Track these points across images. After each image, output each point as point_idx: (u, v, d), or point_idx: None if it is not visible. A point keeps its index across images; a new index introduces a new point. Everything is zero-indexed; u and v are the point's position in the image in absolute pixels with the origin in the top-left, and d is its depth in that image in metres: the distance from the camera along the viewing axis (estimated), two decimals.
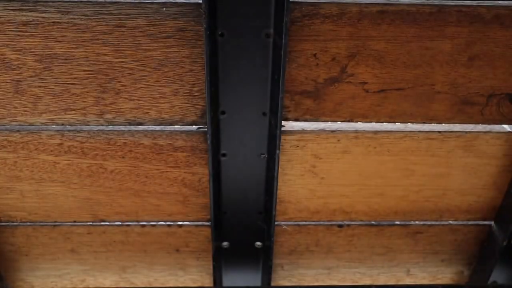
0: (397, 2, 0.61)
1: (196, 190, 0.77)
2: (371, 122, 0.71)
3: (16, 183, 0.75)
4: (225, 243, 0.80)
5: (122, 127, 0.70)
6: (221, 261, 0.83)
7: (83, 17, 0.60)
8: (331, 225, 0.82)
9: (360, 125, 0.72)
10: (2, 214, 0.79)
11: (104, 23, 0.60)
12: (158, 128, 0.70)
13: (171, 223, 0.81)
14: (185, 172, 0.74)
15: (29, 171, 0.73)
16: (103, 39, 0.61)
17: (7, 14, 0.59)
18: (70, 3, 0.59)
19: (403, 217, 0.82)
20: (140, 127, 0.70)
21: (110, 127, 0.69)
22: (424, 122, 0.71)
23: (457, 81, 0.67)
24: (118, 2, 0.59)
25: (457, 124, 0.72)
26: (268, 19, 0.58)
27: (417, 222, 0.83)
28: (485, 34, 0.63)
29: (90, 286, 0.90)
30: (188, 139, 0.71)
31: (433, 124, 0.72)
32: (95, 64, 0.63)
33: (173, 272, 0.88)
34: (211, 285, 0.90)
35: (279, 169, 0.73)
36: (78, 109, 0.67)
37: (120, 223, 0.81)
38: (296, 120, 0.70)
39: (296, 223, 0.82)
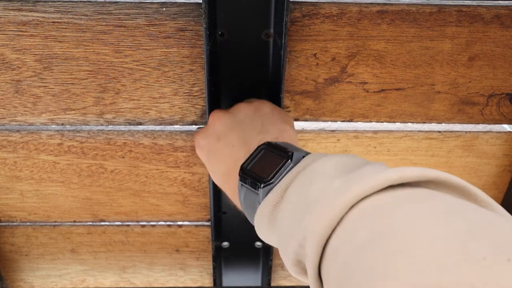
0: (397, 2, 0.61)
1: (196, 190, 0.77)
2: (371, 122, 0.71)
3: (16, 183, 0.75)
4: (225, 243, 0.80)
5: (122, 127, 0.70)
6: (221, 261, 0.83)
7: (83, 17, 0.60)
8: None
9: (360, 125, 0.72)
10: (2, 214, 0.79)
11: (104, 23, 0.60)
12: (158, 128, 0.70)
13: (171, 223, 0.81)
14: (185, 172, 0.74)
15: (29, 171, 0.73)
16: (103, 39, 0.61)
17: (7, 14, 0.59)
18: (70, 3, 0.59)
19: None
20: (140, 127, 0.70)
21: (110, 127, 0.69)
22: (424, 122, 0.71)
23: (457, 81, 0.67)
24: (118, 2, 0.59)
25: (457, 124, 0.72)
26: (268, 19, 0.58)
27: None
28: (485, 34, 0.63)
29: (90, 286, 0.90)
30: (188, 139, 0.71)
31: (433, 124, 0.72)
32: (95, 64, 0.63)
33: (173, 272, 0.88)
34: (211, 285, 0.90)
35: None
36: (78, 109, 0.67)
37: (120, 223, 0.81)
38: (296, 120, 0.70)
39: None
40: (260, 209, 0.43)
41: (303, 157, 0.45)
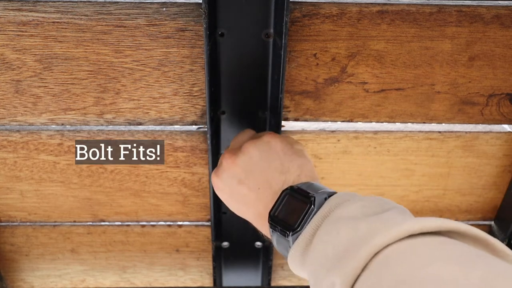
0: (397, 2, 0.61)
1: (196, 190, 0.77)
2: (371, 122, 0.71)
3: (16, 183, 0.75)
4: (225, 243, 0.80)
5: (122, 127, 0.70)
6: (221, 261, 0.83)
7: (83, 17, 0.60)
8: None
9: (360, 125, 0.72)
10: (2, 214, 0.79)
11: (104, 23, 0.60)
12: (158, 128, 0.70)
13: (171, 223, 0.81)
14: (185, 172, 0.74)
15: (29, 171, 0.73)
16: (103, 39, 0.61)
17: (7, 14, 0.59)
18: (70, 3, 0.59)
19: None
20: (140, 127, 0.70)
21: (110, 127, 0.69)
22: (424, 122, 0.71)
23: (457, 81, 0.67)
24: (118, 2, 0.59)
25: (457, 124, 0.72)
26: (268, 19, 0.58)
27: None
28: (485, 34, 0.63)
29: (90, 286, 0.90)
30: (188, 139, 0.71)
31: (433, 124, 0.72)
32: (95, 64, 0.63)
33: (173, 272, 0.88)
34: (211, 285, 0.90)
35: None
36: (78, 109, 0.67)
37: (120, 223, 0.81)
38: (296, 120, 0.70)
39: None
40: (292, 253, 0.47)
41: (325, 199, 0.48)
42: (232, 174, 0.56)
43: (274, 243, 0.51)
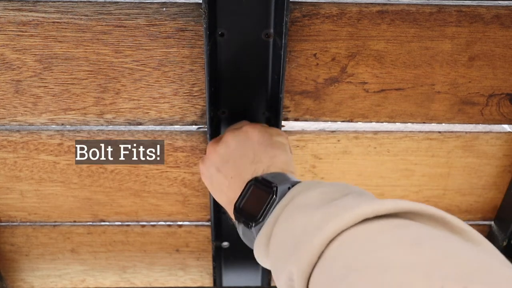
0: (397, 2, 0.61)
1: (196, 190, 0.77)
2: (371, 122, 0.71)
3: (16, 183, 0.75)
4: (225, 243, 0.80)
5: (122, 127, 0.70)
6: (221, 261, 0.83)
7: (83, 17, 0.60)
8: None
9: (360, 125, 0.72)
10: (2, 214, 0.79)
11: (104, 23, 0.60)
12: (158, 128, 0.70)
13: (171, 223, 0.81)
14: (185, 172, 0.74)
15: (29, 171, 0.73)
16: (103, 39, 0.61)
17: (7, 14, 0.59)
18: (70, 3, 0.59)
19: None
20: (140, 127, 0.70)
21: (110, 127, 0.69)
22: (424, 122, 0.71)
23: (457, 81, 0.67)
24: (118, 2, 0.59)
25: (457, 124, 0.72)
26: (268, 19, 0.58)
27: None
28: (485, 34, 0.63)
29: (90, 286, 0.90)
30: (188, 139, 0.71)
31: (433, 124, 0.72)
32: (95, 64, 0.63)
33: (173, 272, 0.88)
34: (211, 285, 0.90)
35: None
36: (78, 109, 0.67)
37: (120, 223, 0.81)
38: (296, 120, 0.70)
39: None
40: (256, 244, 0.47)
41: (289, 188, 0.47)
42: (212, 162, 0.58)
43: (240, 234, 0.51)
